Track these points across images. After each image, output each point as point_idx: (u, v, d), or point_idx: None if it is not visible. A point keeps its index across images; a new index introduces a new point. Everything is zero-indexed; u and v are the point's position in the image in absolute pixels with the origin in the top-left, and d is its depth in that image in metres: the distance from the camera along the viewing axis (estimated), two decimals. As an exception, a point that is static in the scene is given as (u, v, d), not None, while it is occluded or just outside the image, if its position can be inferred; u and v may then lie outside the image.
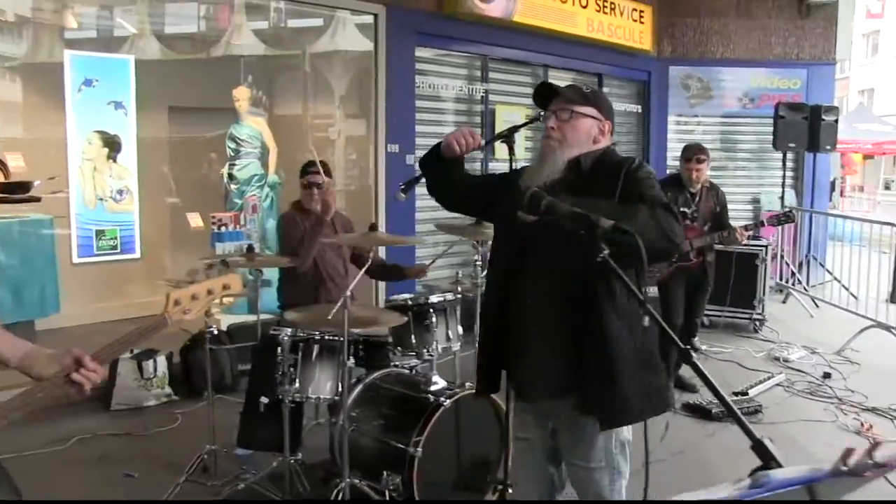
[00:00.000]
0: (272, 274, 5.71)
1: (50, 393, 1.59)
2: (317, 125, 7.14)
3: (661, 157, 8.28)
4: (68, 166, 5.51)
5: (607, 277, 1.82)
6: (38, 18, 5.99)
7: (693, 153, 4.63)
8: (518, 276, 2.02)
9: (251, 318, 5.50)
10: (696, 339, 5.14)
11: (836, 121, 7.46)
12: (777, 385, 4.95)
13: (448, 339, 3.24)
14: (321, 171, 3.59)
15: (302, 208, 3.71)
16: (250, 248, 3.40)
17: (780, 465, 1.06)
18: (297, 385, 3.00)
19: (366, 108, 5.84)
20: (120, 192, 5.87)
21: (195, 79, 6.44)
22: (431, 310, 3.17)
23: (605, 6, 7.20)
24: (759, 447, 1.14)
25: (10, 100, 5.93)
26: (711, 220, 4.64)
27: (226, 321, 5.32)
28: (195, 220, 5.84)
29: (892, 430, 4.18)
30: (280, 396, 2.98)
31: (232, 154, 5.85)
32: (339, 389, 3.10)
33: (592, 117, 2.05)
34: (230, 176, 5.82)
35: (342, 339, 3.10)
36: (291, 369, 2.98)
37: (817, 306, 7.37)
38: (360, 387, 3.13)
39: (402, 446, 2.81)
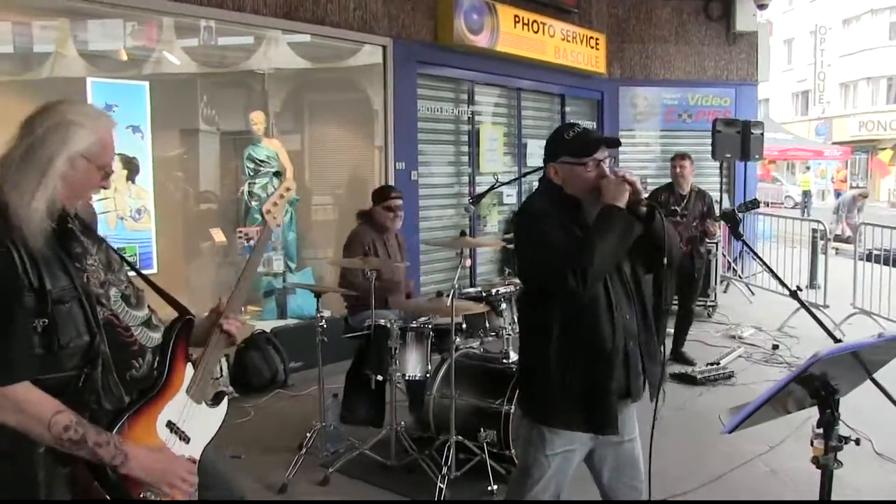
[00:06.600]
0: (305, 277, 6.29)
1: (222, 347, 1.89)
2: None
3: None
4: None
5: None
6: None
7: (678, 155, 5.83)
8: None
9: (280, 322, 6.09)
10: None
11: (762, 134, 8.69)
12: (739, 356, 5.99)
13: (513, 322, 3.98)
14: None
15: (377, 226, 4.37)
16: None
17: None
18: (398, 365, 3.67)
19: (375, 129, 6.52)
20: (138, 211, 6.26)
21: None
22: (502, 298, 3.91)
23: (567, 35, 8.14)
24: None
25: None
26: (700, 219, 5.69)
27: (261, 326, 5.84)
28: (218, 235, 6.31)
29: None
30: (390, 376, 3.63)
31: (251, 174, 6.35)
32: (428, 368, 3.79)
33: None
34: (250, 193, 6.32)
35: (428, 326, 3.82)
36: (397, 353, 3.64)
37: (753, 293, 8.58)
38: (445, 365, 3.83)
39: (497, 406, 3.53)
